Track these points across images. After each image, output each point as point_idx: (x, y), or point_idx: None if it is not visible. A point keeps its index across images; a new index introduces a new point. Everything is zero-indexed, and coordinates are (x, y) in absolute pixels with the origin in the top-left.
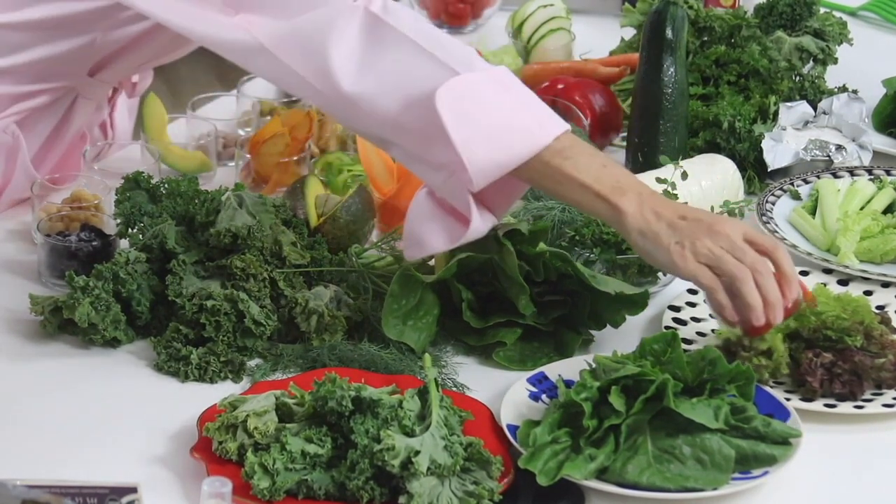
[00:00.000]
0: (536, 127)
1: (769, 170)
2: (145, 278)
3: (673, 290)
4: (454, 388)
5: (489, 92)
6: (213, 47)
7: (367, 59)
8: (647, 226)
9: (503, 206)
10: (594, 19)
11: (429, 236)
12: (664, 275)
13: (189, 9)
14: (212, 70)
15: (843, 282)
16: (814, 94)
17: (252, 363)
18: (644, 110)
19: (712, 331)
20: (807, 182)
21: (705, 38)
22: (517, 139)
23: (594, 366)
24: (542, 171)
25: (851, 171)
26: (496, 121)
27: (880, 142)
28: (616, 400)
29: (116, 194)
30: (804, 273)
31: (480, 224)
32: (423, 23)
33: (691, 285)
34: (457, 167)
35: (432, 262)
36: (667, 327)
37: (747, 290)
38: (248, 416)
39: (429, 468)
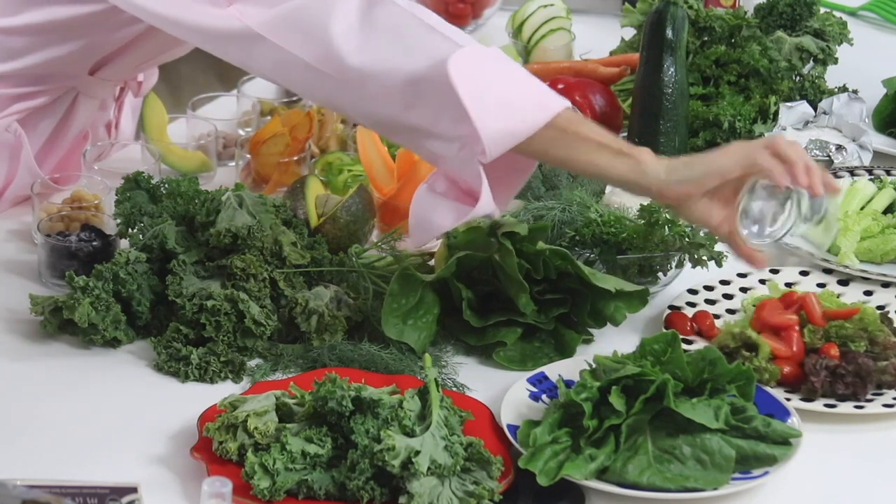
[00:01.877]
0: (546, 97)
1: None
2: (145, 278)
3: (673, 290)
4: (454, 388)
5: (496, 64)
6: (209, 44)
7: (369, 34)
8: (670, 162)
9: (507, 193)
10: (594, 19)
11: (435, 216)
12: (664, 275)
13: (182, 3)
14: (212, 70)
15: (843, 282)
16: (814, 94)
17: (252, 363)
18: (644, 110)
19: None
20: None
21: (705, 38)
22: (530, 108)
23: (594, 366)
24: (556, 139)
25: (852, 171)
26: (507, 90)
27: (880, 142)
28: (616, 400)
29: (116, 194)
30: (804, 273)
31: (490, 200)
32: (416, 3)
33: (692, 285)
34: (469, 138)
35: (432, 262)
36: (667, 327)
37: (790, 150)
38: (248, 416)
39: (429, 468)
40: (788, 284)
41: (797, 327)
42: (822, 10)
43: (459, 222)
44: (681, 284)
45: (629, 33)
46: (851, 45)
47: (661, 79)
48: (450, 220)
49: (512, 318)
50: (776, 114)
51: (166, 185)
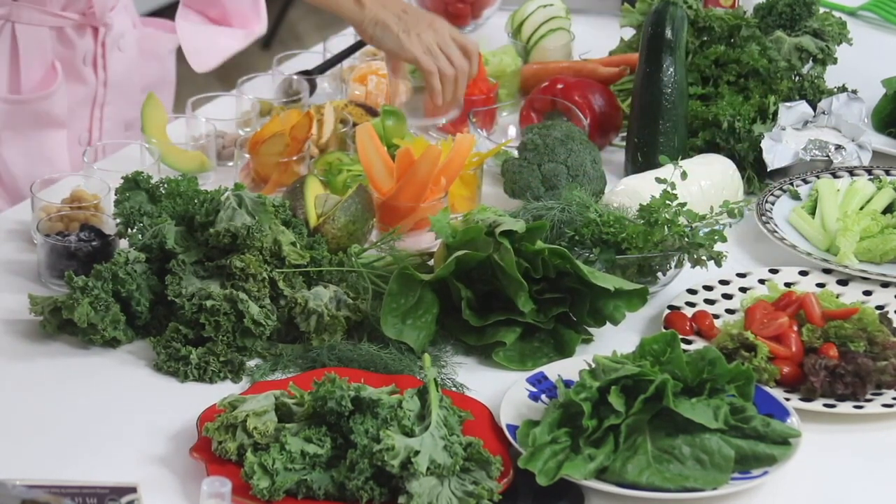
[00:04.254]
0: None
1: (769, 170)
2: (145, 278)
3: (673, 289)
4: (454, 388)
5: None
6: None
7: None
8: (378, 15)
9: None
10: (594, 19)
11: (220, 40)
12: (663, 275)
13: None
14: (211, 70)
15: (843, 282)
16: (813, 94)
17: (251, 363)
18: (644, 110)
19: None
20: (806, 182)
21: (705, 38)
22: None
23: (594, 366)
24: None
25: (851, 171)
26: None
27: (880, 142)
28: (615, 400)
29: (116, 194)
30: (804, 273)
31: (265, 20)
32: None
33: (691, 285)
34: None
35: (431, 262)
36: (666, 327)
37: (449, 87)
38: (247, 416)
39: (428, 468)
40: (788, 284)
41: (794, 328)
42: (822, 9)
43: (247, 44)
44: (680, 284)
45: (628, 33)
46: (851, 45)
47: (660, 79)
48: (237, 42)
49: (511, 318)
50: (775, 113)
51: (166, 185)
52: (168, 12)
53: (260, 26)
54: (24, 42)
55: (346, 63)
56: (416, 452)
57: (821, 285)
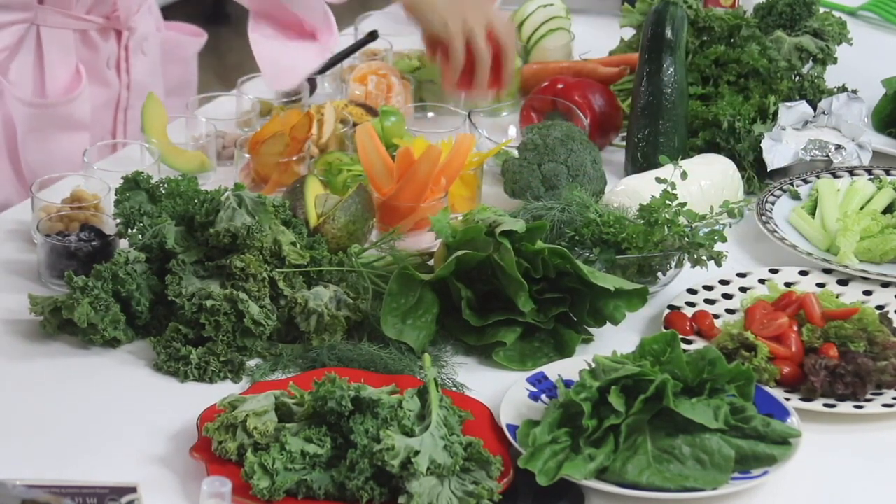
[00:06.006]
0: None
1: (769, 170)
2: (145, 278)
3: (672, 289)
4: (454, 388)
5: None
6: None
7: None
8: None
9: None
10: (594, 19)
11: (298, 59)
12: (663, 274)
13: None
14: (212, 70)
15: (843, 282)
16: (813, 93)
17: (252, 363)
18: (644, 110)
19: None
20: (806, 182)
21: (705, 38)
22: None
23: (594, 366)
24: None
25: (851, 171)
26: None
27: (880, 142)
28: (616, 400)
29: (116, 194)
30: (804, 273)
31: (337, 33)
32: None
33: (691, 285)
34: None
35: (431, 262)
36: (666, 327)
37: (481, 72)
38: (247, 415)
39: (428, 468)
40: (788, 284)
41: (794, 328)
42: (822, 9)
43: (324, 59)
44: (680, 284)
45: (628, 33)
46: (851, 44)
47: (660, 79)
48: (316, 60)
49: (511, 318)
50: (775, 113)
51: (166, 185)
52: (172, 11)
53: (333, 39)
54: (49, 45)
55: (346, 63)
56: (416, 452)
57: (821, 285)
